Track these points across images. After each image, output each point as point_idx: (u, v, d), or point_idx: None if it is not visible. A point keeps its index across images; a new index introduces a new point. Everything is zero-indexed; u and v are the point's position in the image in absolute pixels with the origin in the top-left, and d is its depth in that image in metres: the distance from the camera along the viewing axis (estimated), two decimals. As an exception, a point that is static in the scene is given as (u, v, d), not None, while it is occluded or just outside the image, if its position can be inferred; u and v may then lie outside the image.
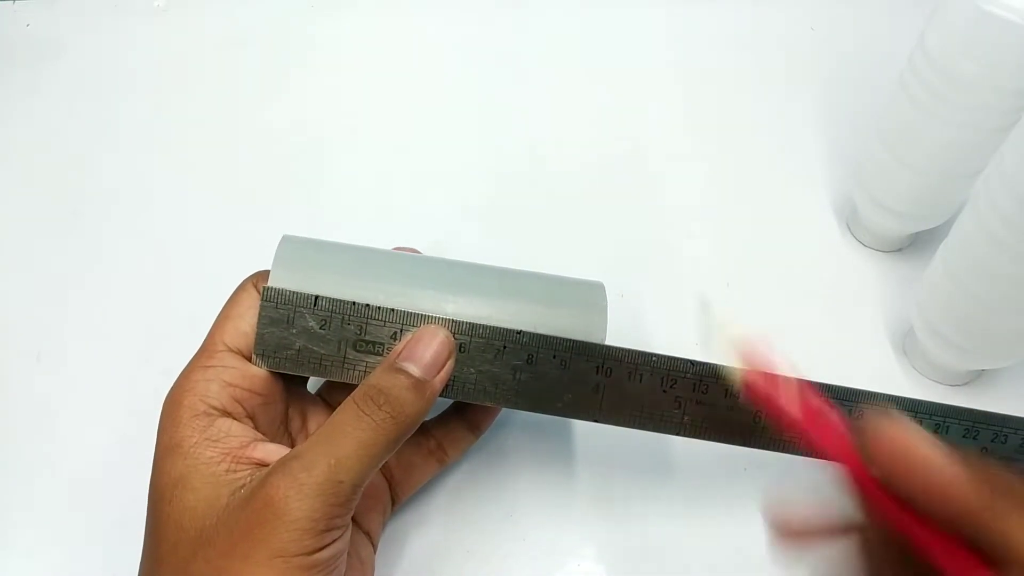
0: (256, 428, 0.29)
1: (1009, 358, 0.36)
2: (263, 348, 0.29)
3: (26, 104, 0.50)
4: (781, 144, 0.48)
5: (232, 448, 0.27)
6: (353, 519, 0.31)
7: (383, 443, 0.26)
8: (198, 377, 0.28)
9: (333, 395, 0.34)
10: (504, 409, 0.37)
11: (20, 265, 0.43)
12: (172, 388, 0.28)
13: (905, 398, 0.31)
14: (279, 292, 0.29)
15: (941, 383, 0.39)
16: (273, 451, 0.27)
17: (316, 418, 0.32)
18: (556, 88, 0.51)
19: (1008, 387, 0.39)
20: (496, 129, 0.49)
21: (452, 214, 0.45)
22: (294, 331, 0.29)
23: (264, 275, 0.30)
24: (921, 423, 0.31)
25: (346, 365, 0.29)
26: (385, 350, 0.29)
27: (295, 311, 0.29)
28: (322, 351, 0.29)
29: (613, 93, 0.51)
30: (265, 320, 0.29)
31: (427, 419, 0.34)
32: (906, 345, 0.40)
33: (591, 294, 0.32)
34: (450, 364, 0.29)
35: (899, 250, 0.43)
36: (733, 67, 0.52)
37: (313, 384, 0.35)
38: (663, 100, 0.51)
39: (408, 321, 0.29)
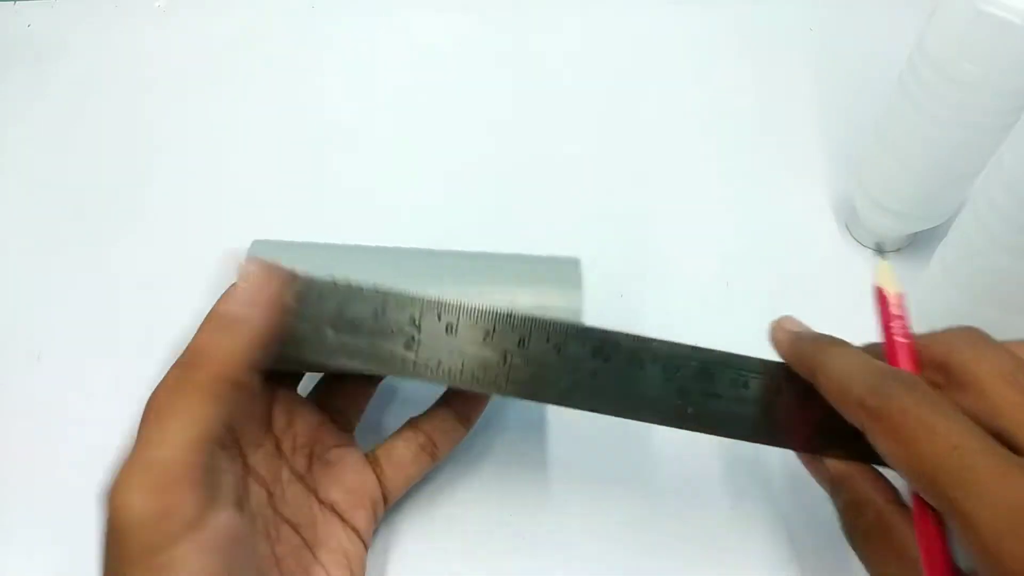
0: (231, 422, 0.27)
1: (1008, 358, 0.36)
2: None
3: (27, 104, 0.50)
4: (780, 145, 0.48)
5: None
6: (339, 515, 0.31)
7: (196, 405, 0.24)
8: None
9: (328, 399, 0.34)
10: (500, 407, 0.37)
11: (21, 265, 0.43)
12: None
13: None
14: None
15: (940, 383, 0.39)
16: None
17: (304, 419, 0.32)
18: (555, 89, 0.51)
19: (1007, 387, 0.39)
20: (497, 130, 0.49)
21: (454, 214, 0.45)
22: None
23: None
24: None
25: (326, 347, 0.28)
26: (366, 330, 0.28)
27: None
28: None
29: (612, 94, 0.51)
30: None
31: (415, 414, 0.34)
32: (905, 345, 0.40)
33: (566, 270, 0.32)
34: (272, 290, 0.26)
35: (898, 250, 0.43)
36: (732, 67, 0.52)
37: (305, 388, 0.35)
38: (663, 101, 0.51)
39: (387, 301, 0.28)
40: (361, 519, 0.31)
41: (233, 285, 0.27)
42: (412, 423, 0.34)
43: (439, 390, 0.35)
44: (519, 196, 0.46)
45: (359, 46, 0.54)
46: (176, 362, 0.26)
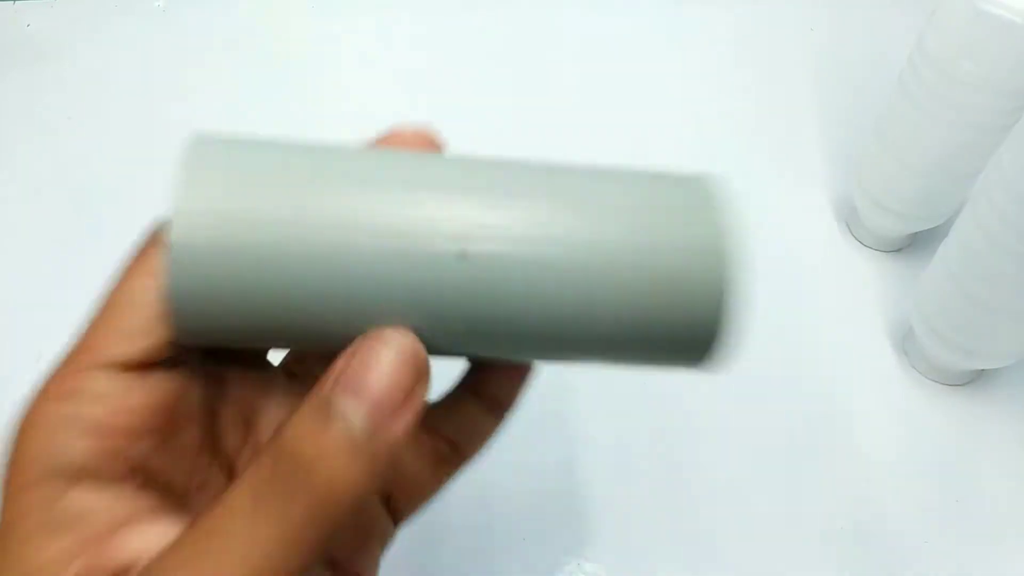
0: (151, 482, 0.18)
1: (1008, 358, 0.36)
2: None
3: (26, 104, 0.50)
4: (781, 145, 0.48)
5: (87, 539, 0.17)
6: (336, 565, 0.22)
7: (298, 545, 0.16)
8: (48, 419, 0.18)
9: (305, 363, 0.23)
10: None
11: (20, 265, 0.43)
12: (14, 428, 0.18)
13: None
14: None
15: (941, 383, 0.39)
16: (154, 541, 0.17)
17: (274, 410, 0.21)
18: (554, 90, 0.51)
19: (1007, 387, 0.39)
20: (495, 129, 0.49)
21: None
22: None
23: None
24: None
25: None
26: None
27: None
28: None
29: (611, 94, 0.51)
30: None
31: (429, 406, 0.22)
32: (906, 345, 0.40)
33: (691, 195, 0.20)
34: (420, 390, 0.17)
35: (899, 250, 0.43)
36: (733, 67, 0.52)
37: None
38: (663, 101, 0.51)
39: None
40: (360, 562, 0.22)
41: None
42: (423, 421, 0.20)
43: (452, 368, 0.23)
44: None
45: (359, 45, 0.53)
46: (266, 454, 0.17)
